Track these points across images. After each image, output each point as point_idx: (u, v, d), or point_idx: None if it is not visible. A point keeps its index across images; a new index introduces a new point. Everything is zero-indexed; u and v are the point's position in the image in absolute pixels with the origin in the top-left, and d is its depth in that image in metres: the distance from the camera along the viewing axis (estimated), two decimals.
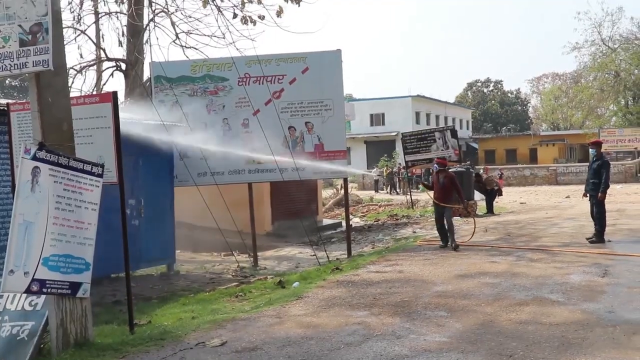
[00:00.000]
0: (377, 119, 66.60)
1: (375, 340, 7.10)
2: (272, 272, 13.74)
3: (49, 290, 6.87)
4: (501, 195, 24.97)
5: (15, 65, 7.03)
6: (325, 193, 31.68)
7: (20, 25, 6.98)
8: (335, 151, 14.64)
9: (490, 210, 22.75)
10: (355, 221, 23.76)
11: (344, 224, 20.11)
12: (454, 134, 27.01)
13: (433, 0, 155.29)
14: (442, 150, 26.66)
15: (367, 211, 28.63)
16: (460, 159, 26.88)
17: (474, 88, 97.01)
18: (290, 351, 6.82)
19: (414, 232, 18.26)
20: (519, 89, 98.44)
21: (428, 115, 69.70)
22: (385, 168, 45.76)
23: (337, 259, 14.15)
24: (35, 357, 6.96)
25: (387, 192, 42.32)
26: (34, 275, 6.68)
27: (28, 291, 6.76)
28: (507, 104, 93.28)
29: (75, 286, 7.08)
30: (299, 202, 20.22)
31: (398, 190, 41.52)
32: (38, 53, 6.95)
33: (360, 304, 8.94)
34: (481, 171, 28.41)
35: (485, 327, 7.41)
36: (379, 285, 10.16)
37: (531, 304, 8.47)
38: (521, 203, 27.52)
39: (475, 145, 73.09)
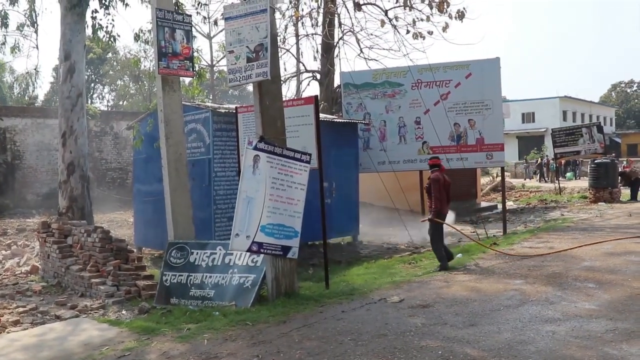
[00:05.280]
0: (527, 117, 63.31)
1: (530, 304, 6.80)
2: None
3: (265, 251, 7.25)
4: None
5: (243, 77, 7.54)
6: (483, 180, 30.66)
7: (247, 47, 7.45)
8: (493, 144, 14.14)
9: (634, 197, 20.92)
10: (509, 204, 22.73)
11: (499, 206, 19.40)
12: (599, 129, 25.18)
13: (582, 8, 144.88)
14: (588, 143, 24.94)
15: (519, 196, 27.32)
16: (605, 152, 24.99)
17: (618, 89, 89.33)
18: (457, 309, 6.71)
19: (562, 215, 17.19)
20: None
21: (574, 114, 65.22)
22: (536, 159, 43.75)
23: (494, 235, 13.66)
24: (256, 301, 7.40)
25: (537, 180, 40.23)
26: (254, 239, 7.10)
27: (249, 250, 7.19)
28: None
29: (286, 249, 7.40)
30: (461, 187, 19.78)
31: (546, 178, 39.37)
32: (260, 67, 7.36)
33: (516, 274, 8.59)
34: (624, 164, 26.30)
35: (632, 300, 6.83)
36: (532, 259, 9.70)
37: None
38: None
39: (618, 139, 67.40)
